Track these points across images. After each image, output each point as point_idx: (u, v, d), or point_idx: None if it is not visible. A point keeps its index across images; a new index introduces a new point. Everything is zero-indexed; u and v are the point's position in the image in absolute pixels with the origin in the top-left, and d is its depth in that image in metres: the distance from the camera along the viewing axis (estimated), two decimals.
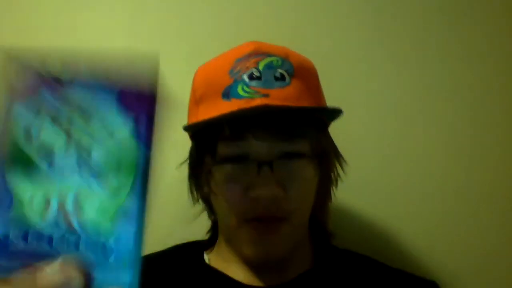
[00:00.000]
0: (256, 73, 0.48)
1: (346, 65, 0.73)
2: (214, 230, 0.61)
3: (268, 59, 0.49)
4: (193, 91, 0.53)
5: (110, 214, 0.22)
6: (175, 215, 0.66)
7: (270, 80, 0.48)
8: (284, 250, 0.50)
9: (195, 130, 0.52)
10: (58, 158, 0.23)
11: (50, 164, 0.23)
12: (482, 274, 0.67)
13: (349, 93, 0.71)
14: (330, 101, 0.54)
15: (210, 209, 0.57)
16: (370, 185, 0.69)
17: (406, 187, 0.69)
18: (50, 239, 0.22)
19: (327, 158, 0.53)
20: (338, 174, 0.56)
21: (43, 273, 0.21)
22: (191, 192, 0.56)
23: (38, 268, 0.21)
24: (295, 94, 0.49)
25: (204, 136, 0.50)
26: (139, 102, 0.23)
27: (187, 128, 0.51)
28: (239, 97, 0.48)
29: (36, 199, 0.22)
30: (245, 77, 0.48)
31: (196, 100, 0.52)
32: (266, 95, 0.47)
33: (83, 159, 0.23)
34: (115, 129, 0.23)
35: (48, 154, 0.23)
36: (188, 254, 0.59)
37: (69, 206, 0.22)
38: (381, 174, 0.70)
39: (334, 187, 0.57)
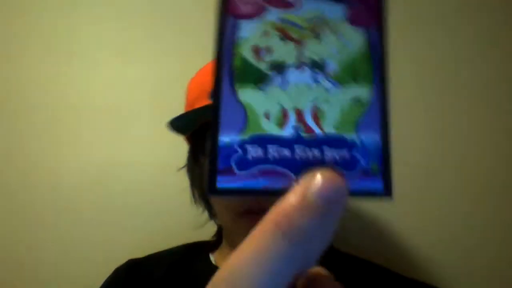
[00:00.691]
0: None
1: None
2: (219, 233, 0.63)
3: None
4: (186, 99, 0.57)
5: (352, 123, 0.22)
6: (185, 219, 0.68)
7: None
8: None
9: (186, 130, 0.55)
10: (291, 73, 0.22)
11: (284, 78, 0.22)
12: (484, 277, 0.67)
13: None
14: None
15: (210, 210, 0.60)
16: None
17: (406, 189, 0.71)
18: (291, 150, 0.21)
19: None
20: None
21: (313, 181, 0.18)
22: (192, 194, 0.59)
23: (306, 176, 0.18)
24: None
25: (197, 137, 0.54)
26: (368, 13, 0.23)
27: (173, 125, 0.54)
28: None
29: (272, 112, 0.21)
30: None
31: (189, 105, 0.56)
32: None
33: (317, 73, 0.22)
34: (348, 41, 0.23)
35: (281, 69, 0.22)
36: (195, 254, 0.61)
37: (308, 118, 0.22)
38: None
39: None
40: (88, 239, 0.73)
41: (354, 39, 0.23)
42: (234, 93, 0.22)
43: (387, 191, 0.21)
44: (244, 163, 0.21)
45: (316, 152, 0.21)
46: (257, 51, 0.22)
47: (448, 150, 0.71)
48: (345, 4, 0.23)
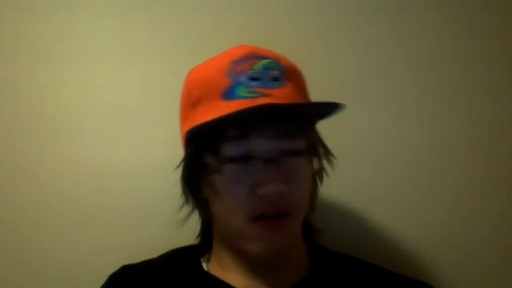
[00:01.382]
0: (254, 75, 0.50)
1: (341, 64, 0.77)
2: (206, 234, 0.61)
3: (263, 62, 0.51)
4: (187, 93, 0.54)
5: None
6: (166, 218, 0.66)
7: (268, 81, 0.50)
8: (288, 245, 0.52)
9: (195, 132, 0.51)
10: None
11: None
12: (477, 274, 0.71)
13: (346, 91, 0.74)
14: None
15: (206, 211, 0.56)
16: (366, 184, 0.73)
17: (401, 187, 0.74)
18: None
19: (317, 154, 0.56)
20: (325, 170, 0.59)
21: None
22: (186, 195, 0.56)
23: None
24: (292, 93, 0.51)
25: (206, 137, 0.50)
26: None
27: (192, 130, 0.51)
28: (241, 97, 0.49)
29: None
30: (244, 79, 0.50)
31: (192, 103, 0.52)
32: (268, 95, 0.49)
33: None
34: None
35: None
36: (185, 260, 0.59)
37: None
38: (376, 174, 0.74)
39: (320, 183, 0.60)
40: (87, 239, 0.73)
41: None
42: None
43: None
44: None
45: None
46: None
47: (449, 150, 0.74)
48: None
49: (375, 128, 0.75)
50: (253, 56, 0.51)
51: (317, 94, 0.58)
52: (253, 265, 0.53)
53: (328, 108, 0.51)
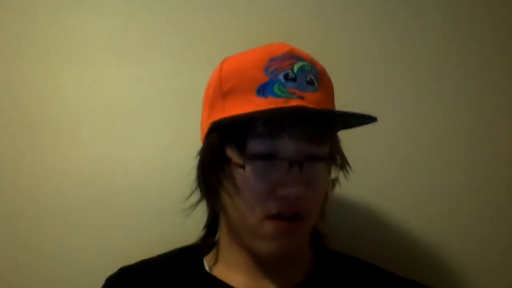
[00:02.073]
0: (291, 75, 0.50)
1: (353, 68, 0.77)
2: (211, 227, 0.61)
3: (301, 63, 0.51)
4: (220, 82, 0.52)
5: None
6: (185, 220, 0.65)
7: (304, 84, 0.50)
8: (297, 248, 0.52)
9: (222, 123, 0.51)
10: None
11: None
12: (481, 278, 0.73)
13: (354, 93, 0.75)
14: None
15: (217, 204, 0.55)
16: (371, 185, 0.74)
17: (402, 188, 0.75)
18: None
19: (336, 162, 0.56)
20: (338, 178, 0.59)
21: None
22: (199, 185, 0.55)
23: None
24: (323, 99, 0.51)
25: (232, 130, 0.50)
26: None
27: (221, 121, 0.50)
28: (275, 95, 0.48)
29: None
30: (281, 77, 0.49)
31: (223, 93, 0.51)
32: (301, 97, 0.49)
33: None
34: None
35: None
36: (186, 261, 0.58)
37: None
38: (381, 175, 0.75)
39: (332, 191, 0.60)
40: (87, 239, 0.72)
41: None
42: None
43: None
44: None
45: None
46: None
47: (452, 149, 0.76)
48: None
49: (380, 129, 0.76)
50: (292, 56, 0.51)
51: None
52: (259, 264, 0.53)
53: (361, 119, 0.51)
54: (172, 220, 0.70)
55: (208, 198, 0.56)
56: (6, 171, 0.73)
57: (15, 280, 0.71)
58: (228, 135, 0.50)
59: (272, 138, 0.48)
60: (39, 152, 0.74)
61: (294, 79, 0.49)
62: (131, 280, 0.57)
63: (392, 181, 0.75)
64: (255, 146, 0.48)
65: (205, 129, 0.54)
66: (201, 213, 0.61)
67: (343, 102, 0.58)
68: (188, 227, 0.63)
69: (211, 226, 0.61)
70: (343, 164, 0.58)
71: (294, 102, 0.48)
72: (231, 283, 0.53)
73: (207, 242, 0.61)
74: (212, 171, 0.52)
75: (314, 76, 0.51)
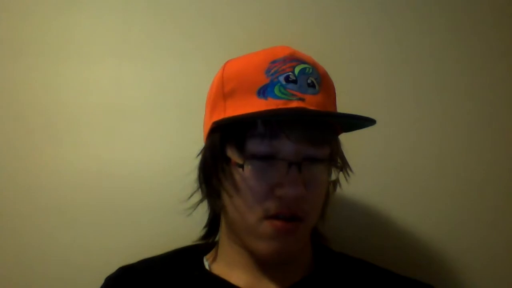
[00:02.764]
0: (292, 77, 0.50)
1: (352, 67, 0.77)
2: (212, 226, 0.61)
3: (302, 66, 0.51)
4: (222, 83, 0.53)
5: None
6: (185, 220, 0.65)
7: (304, 86, 0.50)
8: (296, 249, 0.52)
9: (222, 123, 0.51)
10: None
11: None
12: (480, 277, 0.73)
13: (354, 93, 0.75)
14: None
15: (218, 204, 0.55)
16: (371, 186, 0.74)
17: (402, 189, 0.75)
18: None
19: (336, 165, 0.56)
20: (339, 181, 0.59)
21: None
22: (200, 185, 0.56)
23: None
24: (324, 101, 0.51)
25: (232, 130, 0.50)
26: None
27: (222, 121, 0.50)
28: (276, 97, 0.49)
29: None
30: (282, 79, 0.49)
31: (225, 94, 0.52)
32: (302, 99, 0.49)
33: None
34: None
35: None
36: (187, 260, 0.58)
37: None
38: (381, 176, 0.75)
39: (332, 193, 0.60)
40: (87, 239, 0.72)
41: None
42: None
43: None
44: None
45: None
46: None
47: (452, 150, 0.76)
48: None
49: (380, 130, 0.76)
50: (294, 59, 0.51)
51: None
52: (258, 263, 0.53)
53: (360, 122, 0.52)
54: (173, 220, 0.70)
55: (209, 198, 0.56)
56: (6, 171, 0.73)
57: (15, 280, 0.71)
58: (229, 135, 0.51)
59: (271, 139, 0.48)
60: (39, 152, 0.74)
61: (294, 81, 0.50)
62: (131, 279, 0.57)
63: (392, 182, 0.75)
64: (255, 146, 0.49)
65: (207, 129, 0.55)
66: (202, 213, 0.61)
67: (343, 103, 0.59)
68: (189, 227, 0.63)
69: (212, 225, 0.61)
70: (344, 167, 0.58)
71: (294, 104, 0.48)
72: (231, 281, 0.53)
73: (208, 241, 0.61)
74: (212, 170, 0.53)
75: (315, 79, 0.51)
